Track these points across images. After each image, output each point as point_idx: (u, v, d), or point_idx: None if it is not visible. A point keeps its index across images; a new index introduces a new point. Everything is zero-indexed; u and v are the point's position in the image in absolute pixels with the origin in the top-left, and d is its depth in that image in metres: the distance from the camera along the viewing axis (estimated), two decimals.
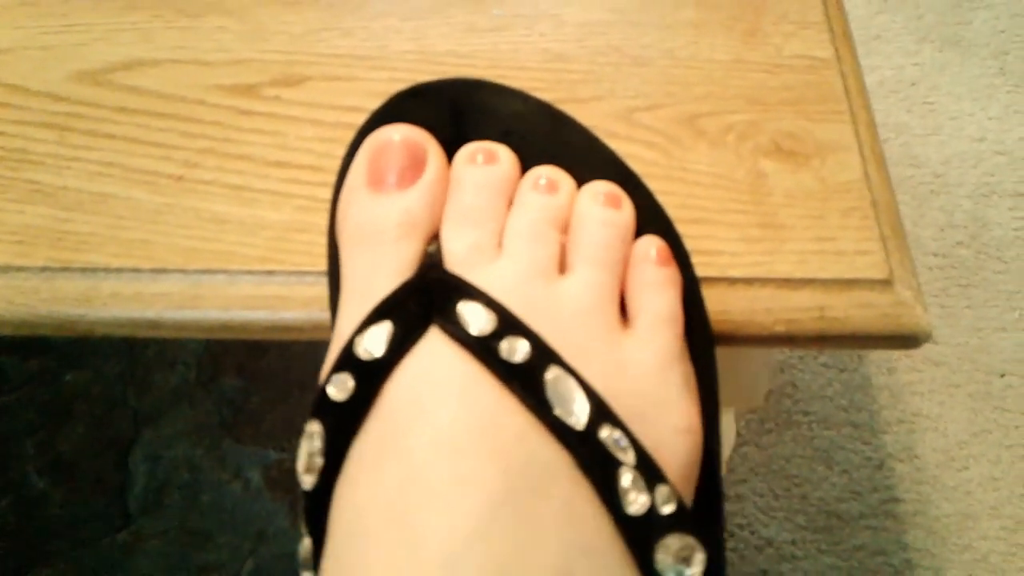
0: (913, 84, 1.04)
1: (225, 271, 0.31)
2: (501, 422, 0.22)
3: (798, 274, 0.30)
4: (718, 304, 0.30)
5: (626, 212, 0.27)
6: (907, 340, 0.30)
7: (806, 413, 0.82)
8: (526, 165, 0.28)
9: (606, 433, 0.22)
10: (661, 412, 0.24)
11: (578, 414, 0.22)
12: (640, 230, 0.27)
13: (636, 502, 0.22)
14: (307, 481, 0.24)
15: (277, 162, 0.34)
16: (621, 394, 0.24)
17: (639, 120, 0.35)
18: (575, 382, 0.23)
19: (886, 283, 0.30)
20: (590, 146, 0.29)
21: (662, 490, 0.22)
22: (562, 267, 0.26)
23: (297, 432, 0.84)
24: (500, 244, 0.26)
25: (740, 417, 0.81)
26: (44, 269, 0.31)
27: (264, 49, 0.37)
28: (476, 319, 0.23)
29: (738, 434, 0.80)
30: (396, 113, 0.28)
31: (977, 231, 0.92)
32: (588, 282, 0.25)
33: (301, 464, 0.24)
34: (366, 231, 0.26)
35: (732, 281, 0.30)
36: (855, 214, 0.32)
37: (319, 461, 0.23)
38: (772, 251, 0.31)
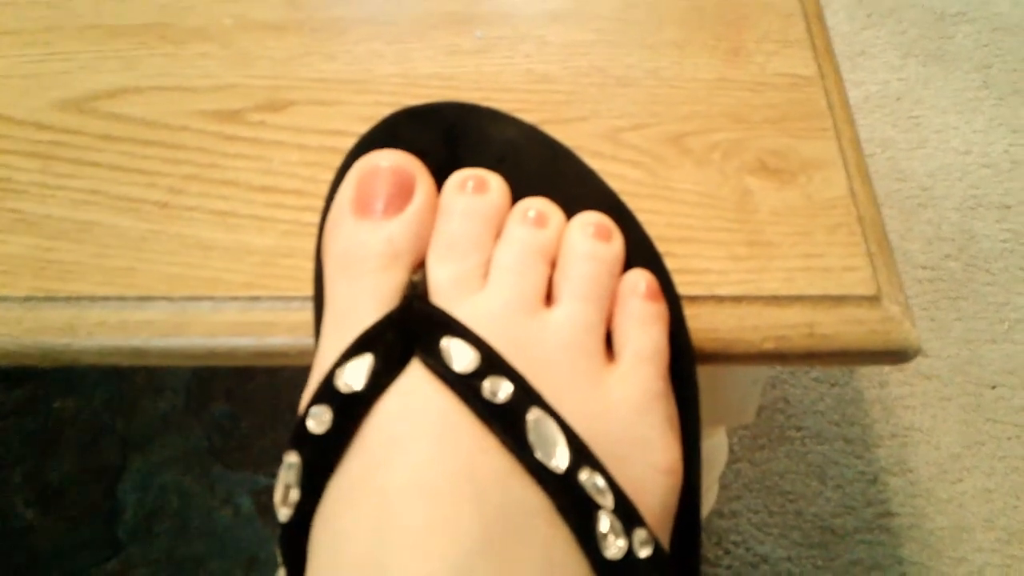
0: (898, 99, 1.05)
1: (211, 298, 0.31)
2: (480, 464, 0.22)
3: (786, 291, 0.30)
4: (706, 323, 0.30)
5: (615, 245, 0.27)
6: (897, 355, 0.30)
7: (799, 428, 0.82)
8: (518, 193, 0.27)
9: (585, 476, 0.22)
10: (642, 451, 0.24)
11: (558, 457, 0.22)
12: (629, 264, 0.27)
13: (614, 546, 0.22)
14: (283, 513, 0.23)
15: (262, 187, 0.33)
16: (602, 433, 0.24)
17: (624, 140, 0.35)
18: (556, 425, 0.23)
19: (874, 299, 0.30)
20: (583, 176, 0.28)
21: (639, 534, 0.22)
22: (549, 299, 0.26)
23: None
24: (486, 275, 0.26)
25: (732, 433, 0.81)
26: (28, 298, 0.31)
27: (248, 74, 0.37)
28: (459, 356, 0.23)
29: (731, 450, 0.80)
30: (391, 133, 0.28)
31: (965, 243, 0.93)
32: (573, 316, 0.25)
33: (278, 495, 0.24)
34: (349, 258, 0.26)
35: (720, 299, 0.30)
36: (841, 230, 0.32)
37: (295, 493, 0.23)
38: (759, 269, 0.31)
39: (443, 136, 0.28)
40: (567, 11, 0.39)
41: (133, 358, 0.30)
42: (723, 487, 0.78)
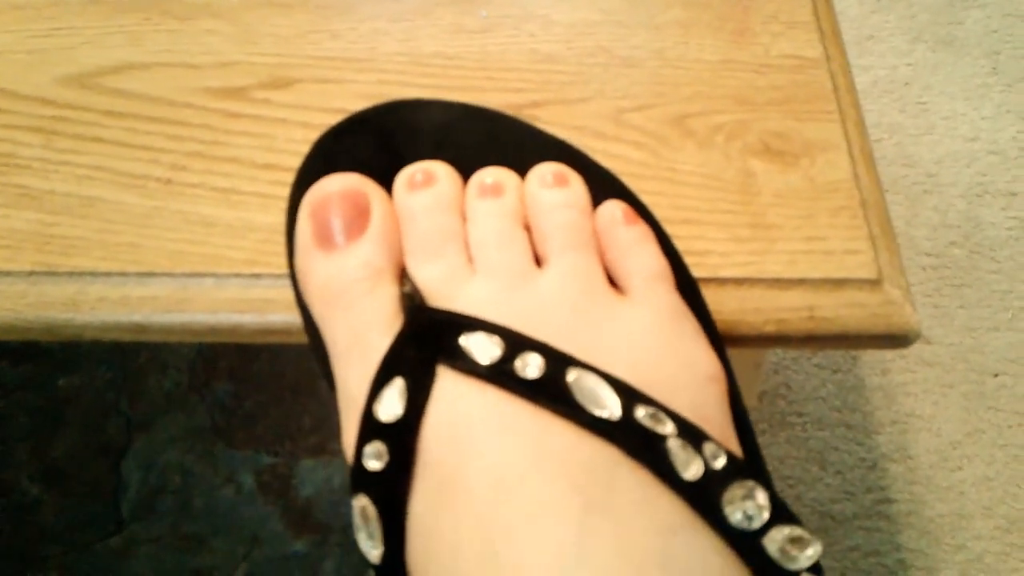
0: (906, 84, 1.04)
1: (213, 274, 0.31)
2: (546, 439, 0.22)
3: (788, 274, 0.30)
4: (708, 305, 0.30)
5: (576, 187, 0.27)
6: (897, 339, 0.30)
7: (800, 414, 0.82)
8: (467, 171, 0.27)
9: (642, 413, 0.22)
10: (684, 367, 0.24)
11: (611, 406, 0.22)
12: (595, 199, 0.27)
13: (690, 468, 0.22)
14: (374, 556, 0.23)
15: (265, 164, 0.34)
16: (642, 365, 0.24)
17: (628, 121, 0.35)
18: (596, 376, 0.23)
19: (875, 282, 0.30)
20: (523, 135, 0.28)
21: (709, 447, 0.22)
22: (537, 260, 0.26)
23: (291, 436, 0.84)
24: (470, 259, 0.26)
25: None
26: (31, 273, 0.31)
27: (253, 52, 0.37)
28: (482, 349, 0.23)
29: None
30: (326, 158, 0.28)
31: (970, 231, 0.92)
32: (568, 269, 0.25)
33: (362, 541, 0.23)
34: (333, 292, 0.25)
35: (722, 281, 0.30)
36: (844, 213, 0.32)
37: (379, 533, 0.23)
38: (761, 251, 0.31)
39: (377, 142, 0.28)
40: None
41: (135, 333, 0.31)
42: None
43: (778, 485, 0.78)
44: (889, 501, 0.77)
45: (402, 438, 0.23)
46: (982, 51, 1.07)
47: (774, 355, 0.85)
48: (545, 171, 0.27)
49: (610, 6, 0.39)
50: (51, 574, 0.74)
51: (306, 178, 0.28)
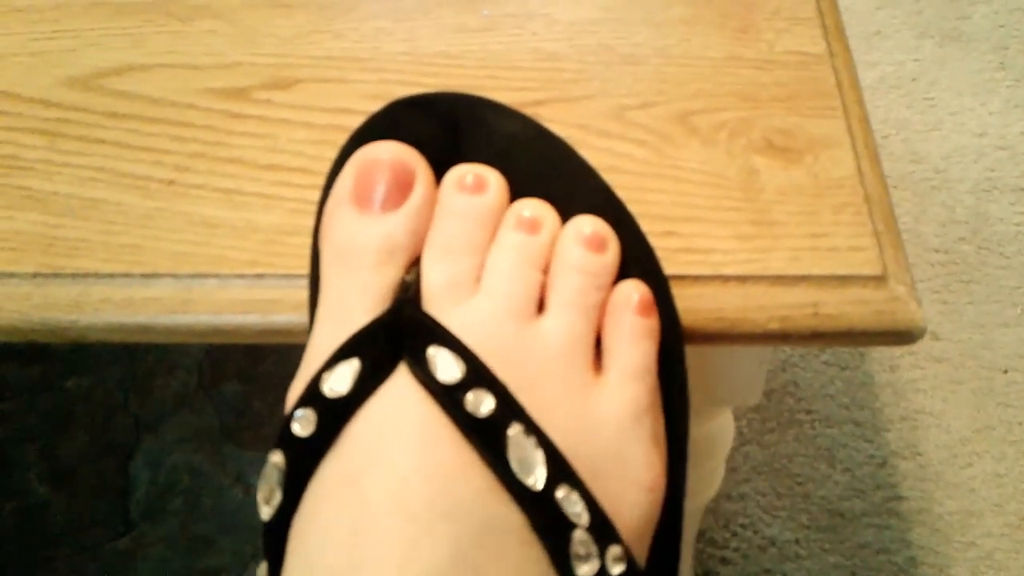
0: (914, 80, 1.03)
1: (216, 275, 0.31)
2: (459, 479, 0.22)
3: (791, 271, 0.30)
4: (711, 302, 0.30)
5: (609, 256, 0.26)
6: (902, 336, 0.30)
7: (808, 411, 0.82)
8: (515, 189, 0.27)
9: (562, 494, 0.22)
10: (623, 468, 0.24)
11: (537, 475, 0.22)
12: (625, 267, 0.27)
13: (586, 565, 0.22)
14: (265, 512, 0.23)
15: (268, 165, 0.34)
16: (584, 448, 0.23)
17: (631, 118, 0.34)
18: (537, 440, 0.23)
19: (880, 279, 0.30)
20: (582, 174, 0.28)
21: (613, 550, 0.22)
22: (541, 305, 0.26)
23: None
24: (479, 279, 0.25)
25: (742, 416, 0.81)
26: (35, 275, 0.31)
27: (255, 52, 0.37)
28: (445, 367, 0.23)
29: (740, 433, 0.80)
30: (390, 123, 0.27)
31: (979, 226, 0.92)
32: (563, 327, 0.25)
33: (261, 494, 0.24)
34: (347, 251, 0.26)
35: (725, 279, 0.30)
36: (848, 210, 0.32)
37: (278, 494, 0.23)
38: (765, 248, 0.31)
39: (444, 127, 0.28)
40: None
41: (139, 335, 0.31)
42: (731, 470, 0.78)
43: (786, 483, 0.78)
44: (899, 498, 0.77)
45: (335, 416, 0.23)
46: (990, 46, 1.06)
47: (781, 352, 0.85)
48: (586, 229, 0.26)
49: (612, 3, 0.38)
50: (60, 575, 0.74)
51: (366, 133, 0.27)
